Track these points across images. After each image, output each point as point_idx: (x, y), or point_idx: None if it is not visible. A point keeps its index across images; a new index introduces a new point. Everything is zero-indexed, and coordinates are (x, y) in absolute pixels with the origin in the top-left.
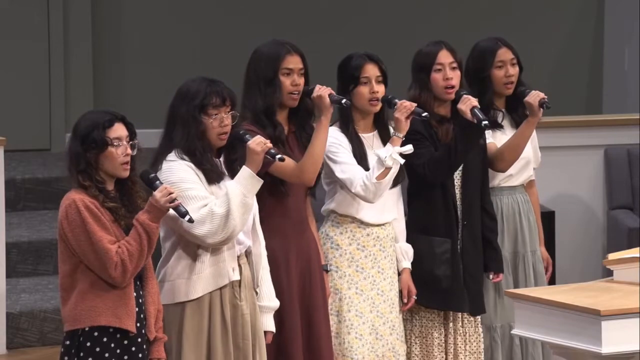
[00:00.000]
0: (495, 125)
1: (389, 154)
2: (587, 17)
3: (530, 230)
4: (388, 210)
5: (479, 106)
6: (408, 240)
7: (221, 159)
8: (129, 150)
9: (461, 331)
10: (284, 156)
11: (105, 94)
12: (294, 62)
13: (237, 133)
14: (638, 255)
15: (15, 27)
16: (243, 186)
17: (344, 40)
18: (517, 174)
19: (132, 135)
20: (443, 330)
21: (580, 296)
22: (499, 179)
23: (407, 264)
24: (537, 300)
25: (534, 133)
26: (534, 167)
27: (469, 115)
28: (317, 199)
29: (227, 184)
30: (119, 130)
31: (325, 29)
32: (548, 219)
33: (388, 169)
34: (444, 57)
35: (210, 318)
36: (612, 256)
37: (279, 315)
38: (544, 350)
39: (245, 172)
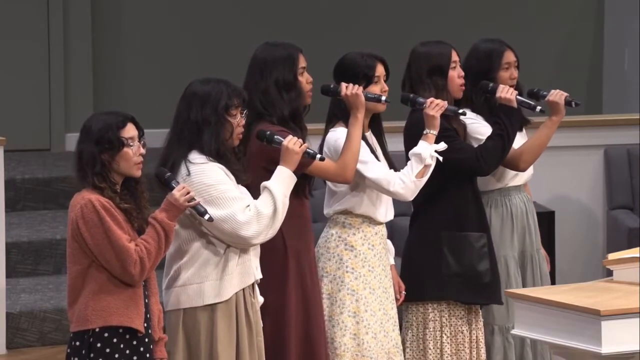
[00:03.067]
0: None
1: (428, 152)
2: (587, 17)
3: (535, 229)
4: (391, 207)
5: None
6: (438, 239)
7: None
8: (142, 150)
9: (480, 326)
10: (323, 156)
11: (105, 94)
12: (303, 60)
13: (262, 133)
14: (638, 255)
15: (15, 27)
16: (284, 186)
17: (344, 41)
18: (522, 173)
19: (140, 135)
20: (469, 326)
21: (580, 296)
22: (508, 179)
23: (392, 260)
24: (537, 300)
25: (525, 131)
26: None
27: (514, 103)
28: (317, 198)
29: (269, 184)
30: (131, 130)
31: (325, 30)
32: (548, 219)
33: (427, 166)
34: (455, 55)
35: (237, 318)
36: (612, 256)
37: (306, 313)
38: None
39: (285, 172)
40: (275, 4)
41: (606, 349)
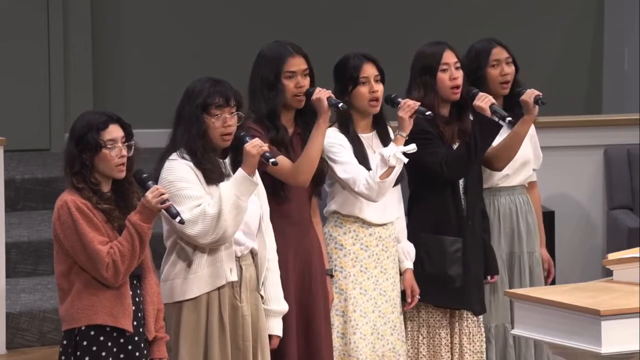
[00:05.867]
0: None
1: (393, 153)
2: (587, 17)
3: (528, 232)
4: (390, 209)
5: (495, 103)
6: (418, 240)
7: (227, 160)
8: (124, 152)
9: (466, 331)
10: (278, 160)
11: (105, 94)
12: (296, 64)
13: (238, 134)
14: (638, 255)
15: (15, 27)
16: (237, 188)
17: (344, 41)
18: (514, 174)
19: (128, 136)
20: (449, 330)
21: (580, 296)
22: (496, 179)
23: (409, 264)
24: (537, 300)
25: (535, 134)
26: (535, 168)
27: (488, 113)
28: (322, 199)
29: (221, 185)
30: (113, 131)
31: (325, 30)
32: (548, 219)
33: (391, 168)
34: (449, 57)
35: (207, 318)
36: (612, 256)
37: None
38: (537, 351)
39: (239, 174)
40: (276, 4)
41: (606, 349)
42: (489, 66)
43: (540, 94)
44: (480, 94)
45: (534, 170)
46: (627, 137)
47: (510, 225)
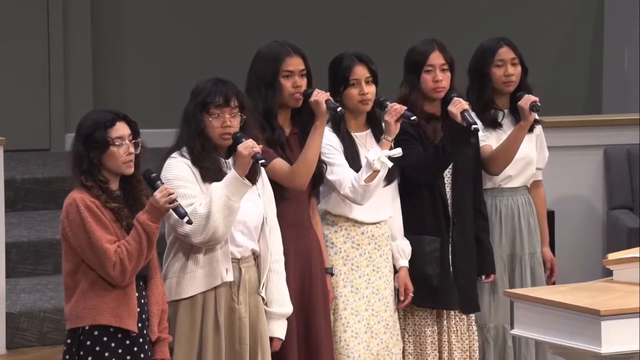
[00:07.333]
0: (494, 125)
1: (377, 157)
2: (587, 17)
3: (529, 233)
4: (382, 208)
5: (469, 109)
6: None
7: (230, 160)
8: (132, 149)
9: (454, 329)
10: (273, 162)
11: (105, 94)
12: (294, 64)
13: (234, 135)
14: (638, 255)
15: (15, 27)
16: (228, 188)
17: (343, 41)
18: (518, 175)
19: (135, 134)
20: (436, 328)
21: (580, 296)
22: (499, 180)
23: (404, 262)
24: (536, 300)
25: (542, 132)
26: (540, 167)
27: (459, 118)
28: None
29: (213, 185)
30: (120, 129)
31: (325, 29)
32: (548, 219)
33: (376, 171)
34: (435, 58)
35: (203, 319)
36: (611, 256)
37: None
38: (538, 352)
39: (231, 174)
40: (275, 4)
41: (606, 349)
42: (494, 66)
43: (537, 99)
44: (455, 98)
45: (539, 169)
46: (627, 137)
47: (511, 226)
